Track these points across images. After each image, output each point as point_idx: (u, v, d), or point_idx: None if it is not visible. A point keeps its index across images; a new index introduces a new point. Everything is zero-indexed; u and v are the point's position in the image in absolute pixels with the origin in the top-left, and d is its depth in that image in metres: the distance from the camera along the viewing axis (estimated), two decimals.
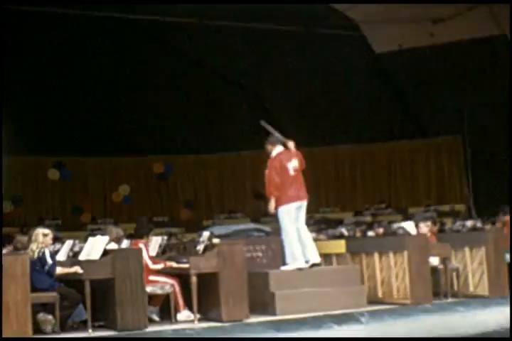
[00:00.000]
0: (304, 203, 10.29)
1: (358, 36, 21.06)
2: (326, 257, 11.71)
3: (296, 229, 10.21)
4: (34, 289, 8.35)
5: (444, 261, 10.67)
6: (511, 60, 19.11)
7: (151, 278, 9.44)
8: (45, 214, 23.86)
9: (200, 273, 9.08)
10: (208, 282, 9.17)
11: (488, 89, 21.06)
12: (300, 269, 10.06)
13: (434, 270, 10.55)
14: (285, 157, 10.29)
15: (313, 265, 10.20)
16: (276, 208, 10.17)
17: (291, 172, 10.18)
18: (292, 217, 10.17)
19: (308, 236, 10.35)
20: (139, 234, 10.12)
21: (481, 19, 19.32)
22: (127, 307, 8.60)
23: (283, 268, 10.22)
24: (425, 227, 11.37)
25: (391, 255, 10.50)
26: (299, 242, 10.20)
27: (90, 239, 9.31)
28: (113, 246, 9.41)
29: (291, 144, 10.48)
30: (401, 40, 20.81)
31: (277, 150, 10.43)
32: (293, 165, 10.25)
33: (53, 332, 8.51)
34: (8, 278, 7.99)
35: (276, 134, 10.66)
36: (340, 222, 21.06)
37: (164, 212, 25.17)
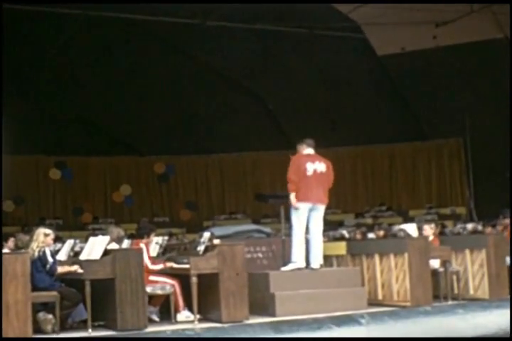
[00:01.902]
0: (318, 206, 10.32)
1: (361, 38, 21.04)
2: (327, 259, 11.71)
3: (304, 230, 10.23)
4: (34, 288, 8.36)
5: (445, 263, 10.68)
6: (511, 60, 19.14)
7: (152, 278, 9.45)
8: (47, 213, 23.88)
9: (201, 274, 9.08)
10: (208, 283, 9.17)
11: (490, 91, 21.06)
12: (299, 269, 10.08)
13: (435, 272, 10.55)
14: (308, 158, 10.43)
15: (313, 269, 10.22)
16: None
17: (309, 173, 10.23)
18: (300, 216, 10.22)
19: (317, 240, 10.37)
20: (141, 233, 10.12)
21: (484, 22, 19.32)
22: (127, 307, 8.60)
23: (283, 268, 10.23)
24: (430, 229, 11.39)
25: (392, 257, 10.50)
26: (308, 244, 10.26)
27: (91, 239, 9.32)
28: (114, 246, 9.42)
29: None
30: (404, 43, 20.80)
31: (306, 151, 10.53)
32: (315, 167, 10.33)
33: (53, 331, 8.52)
34: (8, 277, 7.99)
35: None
36: (341, 224, 21.07)
37: (165, 213, 25.21)
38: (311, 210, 10.28)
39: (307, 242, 10.33)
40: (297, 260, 10.15)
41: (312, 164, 10.34)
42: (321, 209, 10.39)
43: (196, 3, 17.47)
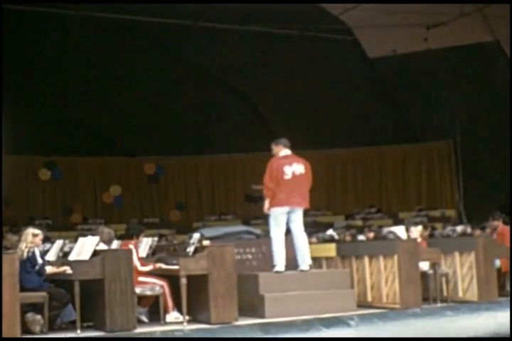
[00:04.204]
0: (296, 210, 10.21)
1: (352, 40, 21.07)
2: (316, 260, 11.72)
3: (283, 233, 10.17)
4: (23, 289, 8.32)
5: (434, 266, 10.70)
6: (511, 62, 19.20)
7: (141, 279, 9.43)
8: (36, 213, 23.79)
9: (190, 275, 9.07)
10: (198, 284, 9.16)
11: (481, 94, 21.12)
12: (278, 272, 10.00)
13: (424, 275, 10.57)
14: (286, 161, 10.21)
15: (302, 270, 10.17)
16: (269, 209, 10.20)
17: (287, 177, 10.08)
18: (279, 220, 10.12)
19: (302, 241, 10.27)
20: (130, 234, 10.10)
21: (474, 25, 19.38)
22: (116, 308, 8.59)
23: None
24: (416, 231, 11.40)
25: (381, 259, 10.52)
26: (295, 246, 10.20)
27: (80, 240, 9.30)
28: (103, 246, 9.40)
29: None
30: (395, 45, 20.83)
31: (283, 152, 10.37)
32: (293, 169, 10.14)
33: (42, 332, 8.49)
34: None
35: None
36: (330, 226, 21.08)
37: (155, 214, 25.15)
38: (289, 213, 10.18)
39: (292, 244, 10.25)
40: (277, 263, 10.09)
41: (290, 167, 10.13)
42: (300, 211, 10.27)
43: (188, 3, 17.42)
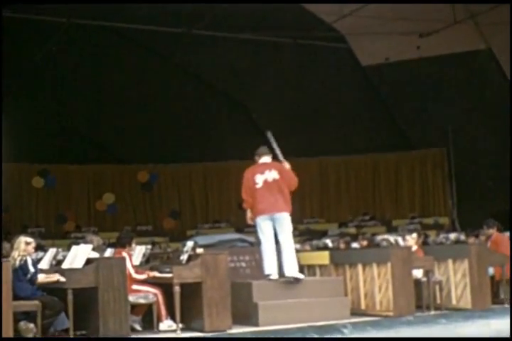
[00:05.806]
0: (277, 216, 10.13)
1: (345, 48, 21.11)
2: (310, 268, 11.71)
3: (271, 241, 10.14)
4: (16, 297, 8.30)
5: (428, 273, 10.70)
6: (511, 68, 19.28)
7: (134, 287, 9.42)
8: (29, 221, 23.75)
9: (184, 283, 9.06)
10: (191, 292, 9.14)
11: (473, 102, 21.17)
12: (270, 280, 9.97)
13: (418, 282, 10.57)
14: (258, 169, 10.28)
15: (295, 279, 10.05)
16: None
17: (258, 186, 10.13)
18: (263, 228, 10.13)
19: (287, 250, 10.12)
20: (122, 243, 10.08)
21: (467, 33, 19.43)
22: (110, 317, 8.57)
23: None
24: (411, 239, 11.41)
25: (374, 267, 10.51)
26: (281, 255, 10.15)
27: (74, 248, 9.28)
28: (94, 254, 9.38)
29: (285, 165, 10.43)
30: (388, 53, 20.88)
31: (262, 161, 10.43)
32: (265, 177, 10.17)
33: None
34: None
35: (276, 149, 10.71)
36: (324, 233, 21.07)
37: (148, 221, 25.12)
38: (272, 221, 10.14)
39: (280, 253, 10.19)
40: (270, 272, 10.05)
41: (261, 175, 10.18)
42: (281, 217, 10.14)
43: (187, 2, 17.37)
